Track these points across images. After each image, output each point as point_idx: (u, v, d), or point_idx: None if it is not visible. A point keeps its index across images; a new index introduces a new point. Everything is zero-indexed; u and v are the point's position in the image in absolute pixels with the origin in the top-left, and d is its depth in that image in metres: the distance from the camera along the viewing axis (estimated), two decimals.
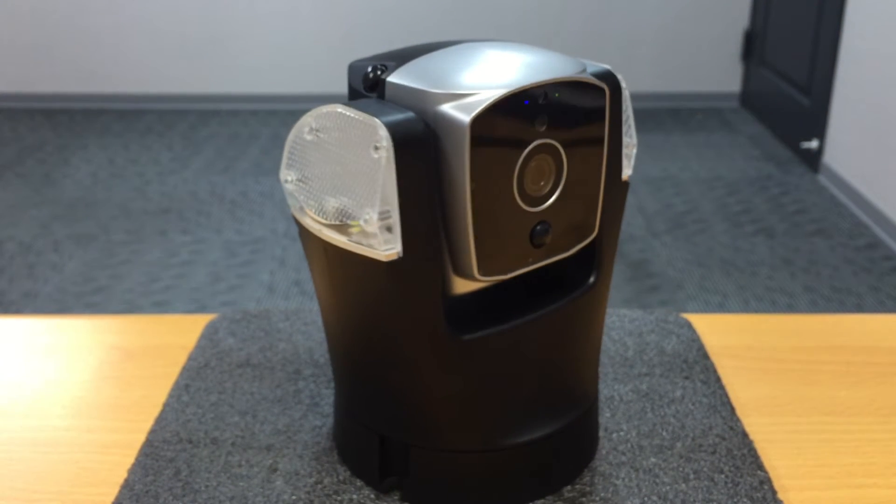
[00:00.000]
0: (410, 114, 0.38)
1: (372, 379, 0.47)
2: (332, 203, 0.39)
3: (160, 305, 2.29)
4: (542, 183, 0.41)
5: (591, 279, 0.46)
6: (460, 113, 0.37)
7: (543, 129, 0.40)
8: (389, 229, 0.38)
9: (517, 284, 0.48)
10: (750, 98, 3.90)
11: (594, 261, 0.47)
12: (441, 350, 0.42)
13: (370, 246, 0.39)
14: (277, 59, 3.94)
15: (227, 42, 3.94)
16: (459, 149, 0.38)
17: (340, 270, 0.42)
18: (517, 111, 0.39)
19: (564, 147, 0.41)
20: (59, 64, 3.97)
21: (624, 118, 0.44)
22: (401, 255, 0.39)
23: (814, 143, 3.17)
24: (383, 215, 0.38)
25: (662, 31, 3.89)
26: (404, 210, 0.38)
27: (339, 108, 0.39)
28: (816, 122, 3.16)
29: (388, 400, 0.46)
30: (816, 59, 3.18)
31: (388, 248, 0.38)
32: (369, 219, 0.38)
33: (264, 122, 3.83)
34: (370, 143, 0.37)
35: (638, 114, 3.73)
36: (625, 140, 0.45)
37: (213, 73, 3.99)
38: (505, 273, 0.41)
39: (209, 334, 0.63)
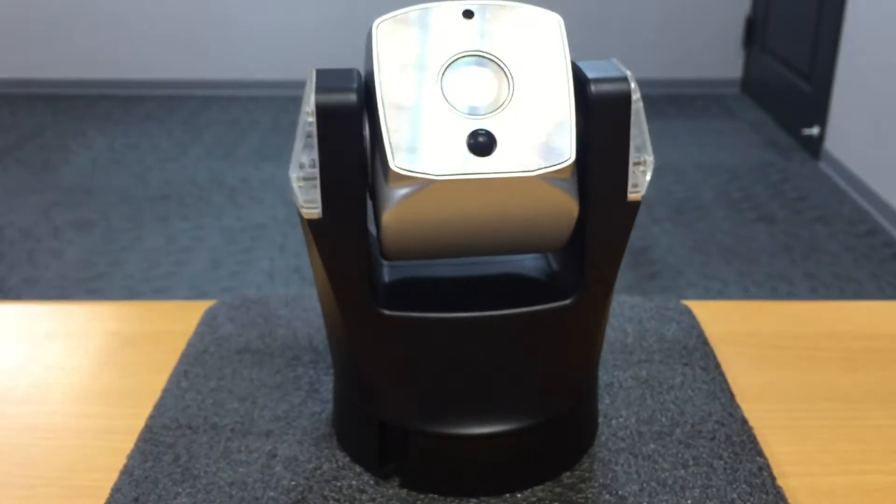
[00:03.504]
0: (352, 85, 0.40)
1: (343, 353, 0.47)
2: (293, 158, 0.42)
3: (160, 292, 2.29)
4: (482, 94, 0.40)
5: (569, 300, 0.44)
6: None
7: (475, 41, 0.41)
8: (315, 189, 0.41)
9: (505, 287, 0.48)
10: (751, 84, 3.89)
11: (580, 279, 0.45)
12: (363, 320, 0.44)
13: (297, 202, 0.42)
14: (277, 45, 3.93)
15: (226, 28, 3.92)
16: (370, 51, 0.40)
17: (301, 224, 0.44)
18: (436, 21, 0.41)
19: (509, 63, 0.41)
20: (58, 50, 3.96)
21: (633, 132, 0.42)
22: (320, 216, 0.41)
23: (815, 130, 3.16)
24: (308, 175, 0.41)
25: (663, 17, 3.87)
26: (325, 174, 0.40)
27: (314, 71, 0.41)
28: (818, 108, 3.15)
29: (359, 375, 0.47)
30: (818, 46, 3.17)
31: (309, 206, 0.41)
32: (292, 176, 0.41)
33: (264, 107, 3.83)
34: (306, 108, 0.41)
35: None
36: (633, 156, 0.43)
37: (213, 59, 3.98)
38: (433, 172, 0.39)
39: (208, 320, 0.63)
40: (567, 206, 0.42)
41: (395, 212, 0.40)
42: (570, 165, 0.40)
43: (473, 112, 0.40)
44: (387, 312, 0.43)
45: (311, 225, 0.41)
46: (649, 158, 0.43)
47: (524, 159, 0.40)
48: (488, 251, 0.44)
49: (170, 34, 3.94)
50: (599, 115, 0.41)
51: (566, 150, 0.40)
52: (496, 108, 0.40)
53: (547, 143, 0.40)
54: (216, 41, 3.95)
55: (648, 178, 0.43)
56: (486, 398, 0.46)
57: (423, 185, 0.39)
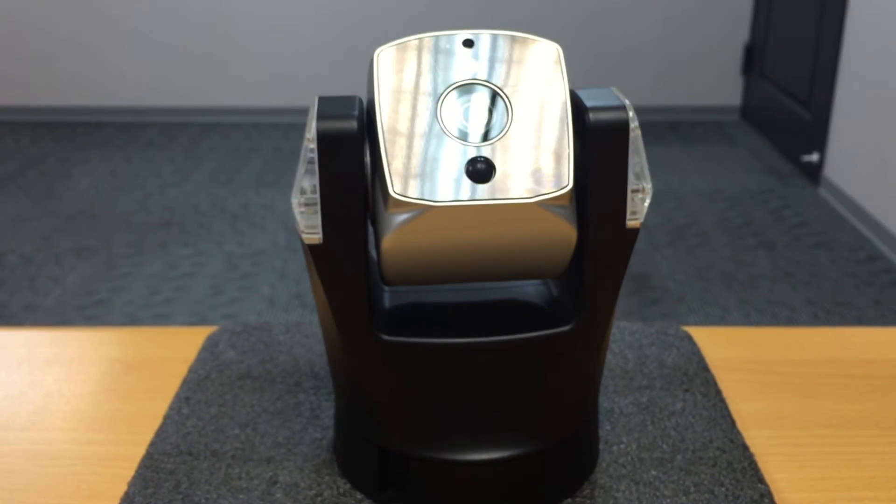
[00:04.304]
0: (353, 113, 0.41)
1: (344, 379, 0.48)
2: (295, 184, 0.43)
3: (161, 318, 2.29)
4: (481, 122, 0.41)
5: (567, 327, 0.45)
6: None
7: (474, 71, 0.41)
8: (316, 214, 0.42)
9: (506, 313, 0.48)
10: (750, 111, 3.91)
11: (579, 306, 0.45)
12: (362, 345, 0.44)
13: (298, 227, 0.42)
14: (279, 72, 3.96)
15: (228, 55, 3.95)
16: (372, 78, 0.41)
17: (302, 250, 0.45)
18: (435, 51, 0.41)
19: (508, 92, 0.41)
20: (60, 77, 3.98)
21: (631, 160, 0.42)
22: (321, 241, 0.42)
23: (814, 157, 3.17)
24: (309, 201, 0.41)
25: (663, 44, 3.90)
26: (326, 200, 0.41)
27: (317, 98, 0.42)
28: (817, 135, 3.17)
29: (359, 400, 0.47)
30: (816, 73, 3.19)
31: (310, 231, 0.42)
32: (294, 202, 0.42)
33: (266, 134, 3.84)
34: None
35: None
36: (632, 183, 0.43)
37: (214, 86, 4.00)
38: (433, 198, 0.40)
39: (209, 347, 0.63)
40: (565, 232, 0.42)
41: (394, 237, 0.41)
42: (567, 192, 0.40)
43: (472, 139, 0.40)
44: (385, 337, 0.44)
45: (312, 250, 0.42)
46: (648, 186, 0.43)
47: (522, 186, 0.40)
48: (488, 277, 0.44)
49: (172, 61, 3.96)
50: (597, 143, 0.42)
51: (564, 178, 0.40)
52: (495, 135, 0.41)
53: (545, 171, 0.40)
54: (218, 68, 3.97)
55: (647, 205, 0.43)
56: (485, 424, 0.46)
57: (422, 212, 0.40)
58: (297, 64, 3.94)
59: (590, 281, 0.44)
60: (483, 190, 0.40)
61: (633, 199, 0.43)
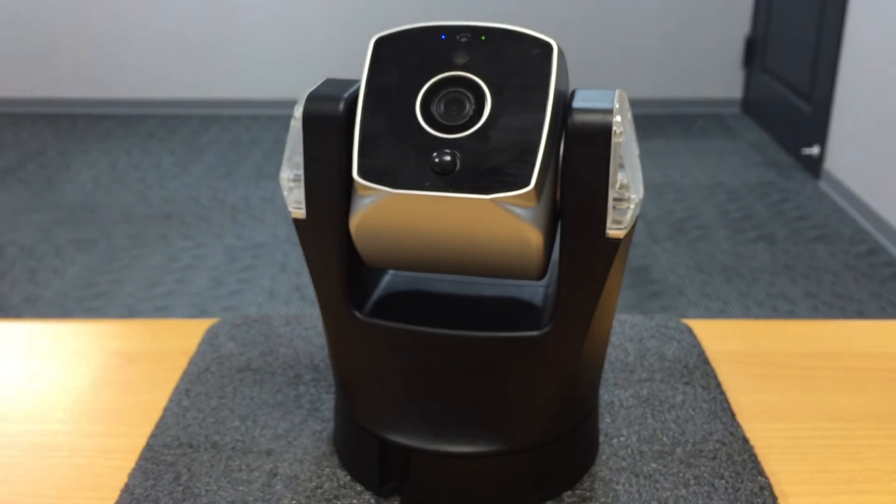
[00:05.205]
0: (342, 95, 0.42)
1: (332, 362, 0.49)
2: (284, 160, 0.44)
3: (161, 310, 2.29)
4: (458, 115, 0.40)
5: (538, 331, 0.44)
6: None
7: (463, 63, 0.41)
8: (301, 190, 0.43)
9: (496, 310, 0.48)
10: (751, 104, 3.91)
11: (552, 311, 0.44)
12: (338, 322, 0.45)
13: (287, 202, 0.44)
14: (279, 65, 3.95)
15: (229, 47, 3.94)
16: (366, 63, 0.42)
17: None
18: (430, 41, 0.42)
19: (490, 87, 0.40)
20: (61, 69, 3.98)
21: (612, 167, 0.40)
22: (304, 216, 0.43)
23: (815, 150, 3.17)
24: (296, 177, 0.43)
25: (664, 37, 3.89)
26: (309, 176, 0.42)
27: (324, 79, 0.44)
28: (817, 128, 3.16)
29: (349, 385, 0.48)
30: (817, 66, 3.18)
31: (296, 206, 0.43)
32: (283, 177, 0.43)
33: (266, 127, 3.84)
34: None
35: (639, 120, 3.73)
36: (613, 191, 0.41)
37: (215, 79, 4.00)
38: (392, 185, 0.40)
39: (210, 339, 0.63)
40: (522, 234, 0.41)
41: (357, 219, 0.42)
42: (528, 193, 0.39)
43: (444, 131, 0.40)
44: (357, 315, 0.45)
45: (297, 225, 0.43)
46: (634, 196, 0.41)
47: (483, 183, 0.39)
48: (458, 270, 0.44)
49: (172, 53, 3.95)
50: (576, 145, 0.40)
51: (527, 178, 0.39)
52: (467, 129, 0.40)
53: (510, 169, 0.39)
54: (218, 60, 3.97)
55: (631, 215, 0.41)
56: (478, 417, 0.46)
57: (381, 197, 0.40)
58: (297, 56, 3.94)
59: (565, 287, 0.43)
60: (442, 182, 0.40)
61: (616, 208, 0.41)
